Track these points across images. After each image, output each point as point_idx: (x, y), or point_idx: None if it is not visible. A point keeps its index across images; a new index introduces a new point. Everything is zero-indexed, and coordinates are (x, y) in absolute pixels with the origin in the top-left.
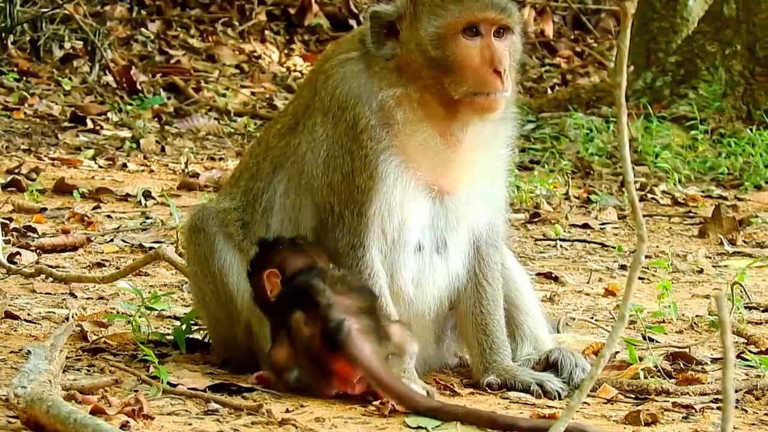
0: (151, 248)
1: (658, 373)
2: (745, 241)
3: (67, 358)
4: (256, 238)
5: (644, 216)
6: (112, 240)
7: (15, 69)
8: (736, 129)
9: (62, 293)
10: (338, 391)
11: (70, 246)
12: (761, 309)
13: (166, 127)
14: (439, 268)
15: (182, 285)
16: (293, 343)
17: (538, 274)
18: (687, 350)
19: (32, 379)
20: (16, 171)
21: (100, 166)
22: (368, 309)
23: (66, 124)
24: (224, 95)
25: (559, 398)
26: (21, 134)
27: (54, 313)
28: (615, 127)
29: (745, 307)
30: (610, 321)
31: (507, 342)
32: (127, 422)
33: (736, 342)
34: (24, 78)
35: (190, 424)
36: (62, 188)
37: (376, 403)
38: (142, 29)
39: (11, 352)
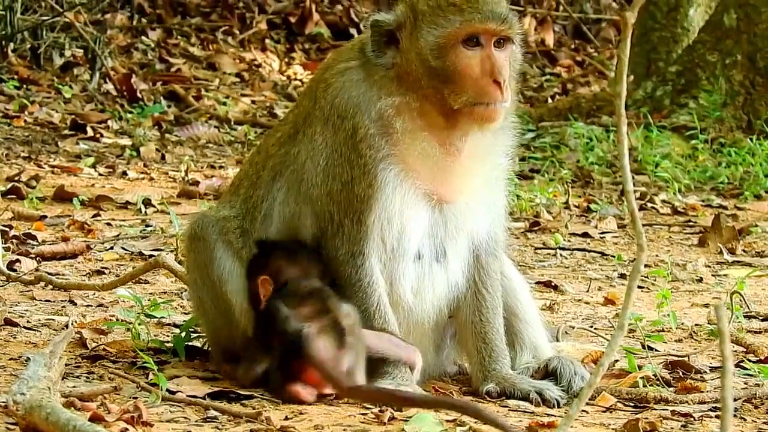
0: (150, 256)
1: (657, 382)
2: (744, 251)
3: (66, 365)
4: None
5: (644, 225)
6: (111, 248)
7: (15, 77)
8: (736, 138)
9: (62, 300)
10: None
11: (70, 253)
12: (760, 318)
13: (167, 135)
14: (438, 276)
15: (182, 293)
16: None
17: (537, 283)
18: (686, 359)
19: (31, 386)
20: (16, 178)
21: (100, 174)
22: (324, 309)
23: (66, 131)
24: (224, 103)
25: (558, 406)
26: (21, 142)
27: (53, 320)
28: (615, 137)
29: (745, 316)
30: (609, 330)
31: (506, 350)
32: (126, 429)
33: (735, 351)
34: (24, 86)
35: (189, 431)
36: (62, 196)
37: (375, 410)
38: (143, 37)
39: (10, 359)
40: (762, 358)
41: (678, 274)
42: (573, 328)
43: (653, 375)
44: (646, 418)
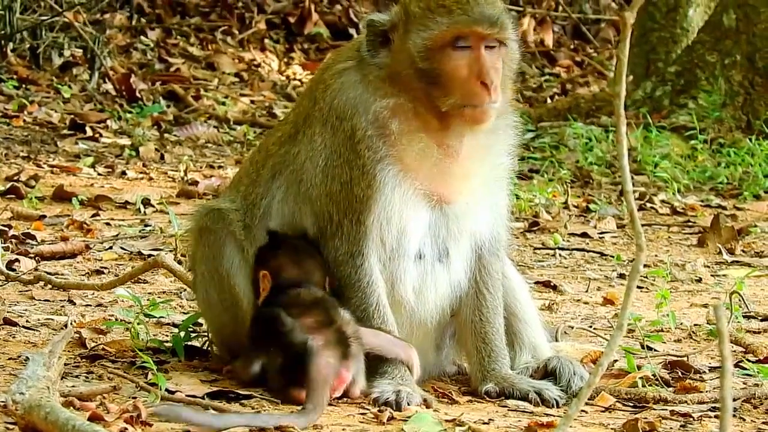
0: (149, 256)
1: (656, 382)
2: (743, 251)
3: (65, 364)
4: (256, 241)
5: (643, 225)
6: (111, 247)
7: (14, 76)
8: (735, 139)
9: (61, 300)
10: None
11: (69, 253)
12: (759, 318)
13: (166, 135)
14: (441, 276)
15: (181, 292)
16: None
17: (536, 283)
18: (685, 359)
19: (30, 385)
20: (16, 178)
21: (99, 174)
22: (328, 321)
23: (65, 131)
24: (224, 103)
25: (557, 406)
26: (20, 141)
27: (52, 319)
28: (614, 137)
29: (744, 316)
30: (608, 330)
31: (506, 350)
32: (126, 429)
33: (735, 351)
34: (23, 85)
35: (188, 431)
36: (61, 195)
37: (375, 410)
38: (142, 37)
39: (10, 358)
40: (761, 358)
41: (677, 274)
42: (572, 328)
43: (652, 375)
44: (645, 418)
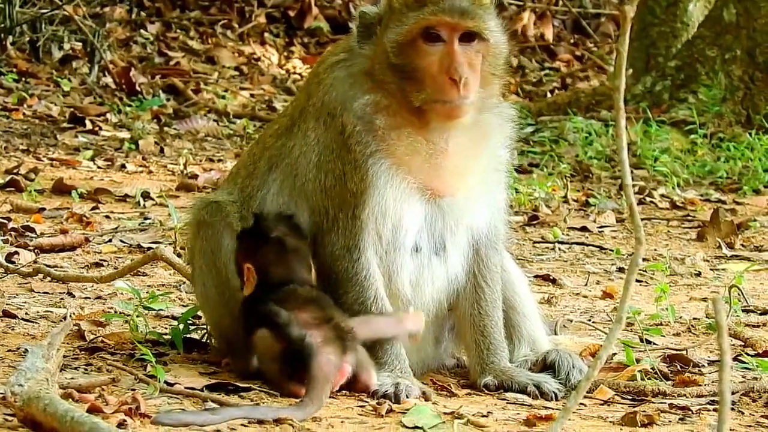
0: (149, 248)
1: (655, 375)
2: (743, 245)
3: (64, 356)
4: None
5: (642, 219)
6: (110, 240)
7: (14, 70)
8: (735, 133)
9: (60, 293)
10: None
11: (69, 246)
12: (758, 312)
13: (165, 129)
14: (438, 269)
15: (180, 285)
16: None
17: (536, 277)
18: (684, 352)
19: (29, 377)
20: (15, 171)
21: (98, 167)
22: (326, 317)
23: (65, 124)
24: (223, 97)
25: (556, 399)
26: (20, 135)
27: (51, 312)
28: (614, 131)
29: (743, 310)
30: (607, 323)
31: (504, 343)
32: (124, 421)
33: (733, 344)
34: (23, 79)
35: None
36: (61, 188)
37: (373, 403)
38: (142, 31)
39: (9, 350)
40: (760, 351)
41: (676, 268)
42: (571, 321)
43: (651, 368)
44: (644, 411)
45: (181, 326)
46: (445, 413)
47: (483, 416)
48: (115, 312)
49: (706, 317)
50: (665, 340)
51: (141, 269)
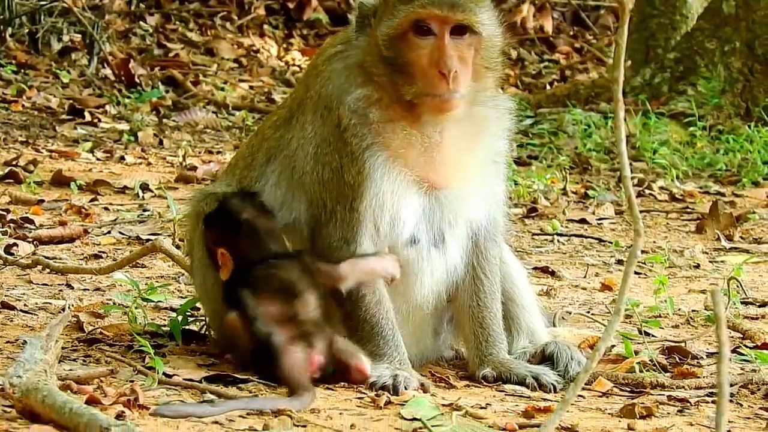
0: (148, 240)
1: (654, 367)
2: (742, 237)
3: (63, 348)
4: None
5: (641, 211)
6: (109, 232)
7: (13, 61)
8: (734, 126)
9: (59, 284)
10: None
11: (67, 237)
12: (757, 304)
13: (164, 121)
14: (436, 261)
15: (179, 277)
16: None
17: (535, 269)
18: (683, 344)
19: (28, 369)
20: (14, 163)
21: (97, 159)
22: (293, 314)
23: (64, 116)
24: (222, 89)
25: (555, 391)
26: (19, 126)
27: (50, 303)
28: (613, 123)
29: (741, 302)
30: (606, 315)
31: (503, 335)
32: (123, 412)
33: (732, 337)
34: (22, 70)
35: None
36: (60, 180)
37: (372, 394)
38: (141, 22)
39: (7, 342)
40: (758, 343)
41: (675, 261)
42: (570, 313)
43: (650, 360)
44: (643, 403)
45: (180, 318)
46: (443, 405)
47: (481, 408)
48: (114, 303)
49: (705, 309)
50: (664, 332)
51: (140, 261)
